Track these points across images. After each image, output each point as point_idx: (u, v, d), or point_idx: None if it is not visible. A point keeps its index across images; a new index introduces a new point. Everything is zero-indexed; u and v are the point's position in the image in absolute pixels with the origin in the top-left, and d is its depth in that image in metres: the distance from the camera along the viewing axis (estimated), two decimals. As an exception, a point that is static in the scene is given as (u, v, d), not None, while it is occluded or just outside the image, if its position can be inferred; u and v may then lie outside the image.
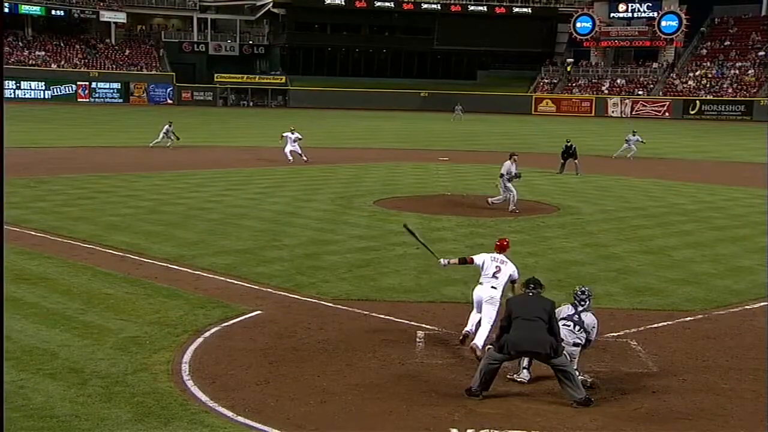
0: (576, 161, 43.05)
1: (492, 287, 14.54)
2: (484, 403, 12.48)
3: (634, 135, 53.63)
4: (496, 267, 14.66)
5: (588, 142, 58.65)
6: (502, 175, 30.18)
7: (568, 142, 44.14)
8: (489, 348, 13.19)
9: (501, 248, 15.09)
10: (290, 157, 45.17)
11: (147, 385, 12.98)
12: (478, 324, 14.46)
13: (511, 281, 14.69)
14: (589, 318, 13.32)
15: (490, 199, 30.66)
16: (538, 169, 42.53)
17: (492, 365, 12.66)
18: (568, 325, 13.18)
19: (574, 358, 13.25)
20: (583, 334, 13.23)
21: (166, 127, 53.27)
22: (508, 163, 30.26)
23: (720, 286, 20.10)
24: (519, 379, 13.46)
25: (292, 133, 46.12)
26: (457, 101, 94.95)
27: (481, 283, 14.65)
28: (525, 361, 13.51)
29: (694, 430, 11.69)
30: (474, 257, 15.07)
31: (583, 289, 13.64)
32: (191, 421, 11.66)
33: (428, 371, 13.92)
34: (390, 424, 11.75)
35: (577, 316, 13.27)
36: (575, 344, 13.18)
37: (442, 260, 15.36)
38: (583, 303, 13.38)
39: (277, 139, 47.54)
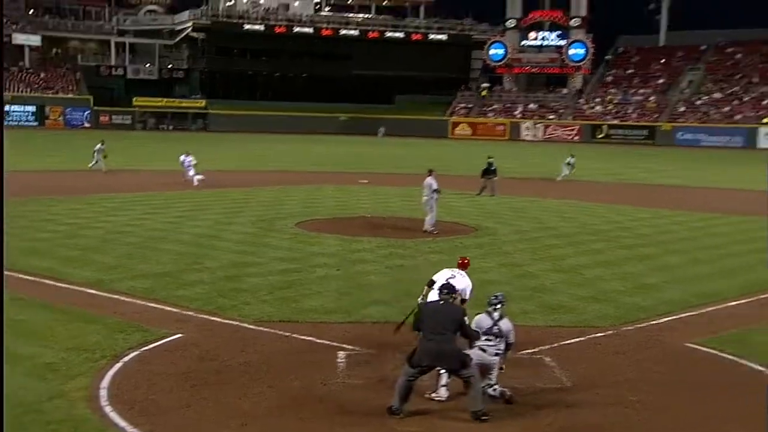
0: (495, 179, 43.31)
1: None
2: (405, 422, 12.48)
3: (572, 158, 54.96)
4: (447, 278, 14.87)
5: (503, 164, 59.17)
6: (436, 190, 30.36)
7: (490, 158, 44.38)
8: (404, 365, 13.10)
9: (462, 266, 15.66)
10: (196, 182, 43.94)
11: (63, 412, 12.73)
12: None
13: (461, 299, 14.74)
14: (505, 325, 13.54)
15: (425, 226, 30.59)
16: (457, 191, 42.78)
17: (408, 381, 12.67)
18: (490, 339, 13.32)
19: (494, 367, 13.42)
20: (503, 344, 13.44)
21: (99, 146, 51.80)
22: (429, 179, 30.52)
23: (628, 303, 20.46)
24: (437, 398, 13.46)
25: (187, 156, 45.40)
26: (378, 125, 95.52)
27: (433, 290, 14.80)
28: (443, 379, 13.51)
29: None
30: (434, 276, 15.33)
31: (495, 294, 13.88)
32: (110, 447, 11.49)
33: (350, 391, 13.89)
34: (312, 445, 11.70)
35: (496, 327, 13.42)
36: (496, 354, 13.36)
37: (419, 299, 15.30)
38: (497, 309, 13.55)
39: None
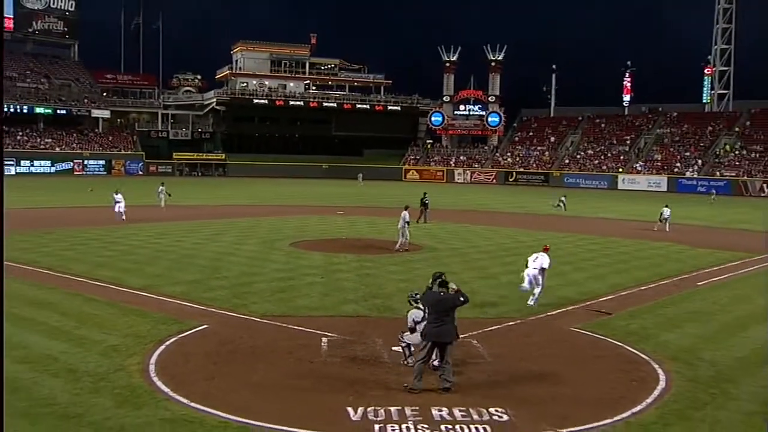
0: (427, 211, 43.43)
1: (534, 268, 19.40)
2: (371, 388, 12.53)
3: (564, 197, 56.19)
4: (536, 256, 19.80)
5: (443, 200, 59.55)
6: (407, 222, 30.66)
7: (425, 194, 44.53)
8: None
9: (545, 250, 20.18)
10: (123, 217, 39.75)
11: (124, 381, 12.73)
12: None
13: (542, 268, 19.42)
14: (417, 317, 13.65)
15: (396, 246, 30.27)
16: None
17: (421, 364, 12.43)
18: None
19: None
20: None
21: (160, 187, 50.38)
22: (404, 212, 30.70)
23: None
24: (409, 364, 13.62)
25: (117, 194, 40.80)
26: (354, 171, 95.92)
27: (527, 267, 19.66)
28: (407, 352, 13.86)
29: (513, 402, 11.93)
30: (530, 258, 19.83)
31: (413, 294, 14.11)
32: (157, 407, 11.48)
33: (330, 367, 13.93)
34: (302, 405, 11.72)
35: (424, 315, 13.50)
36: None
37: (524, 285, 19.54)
38: (418, 302, 13.76)
39: (211, 199, 46.47)
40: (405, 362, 13.80)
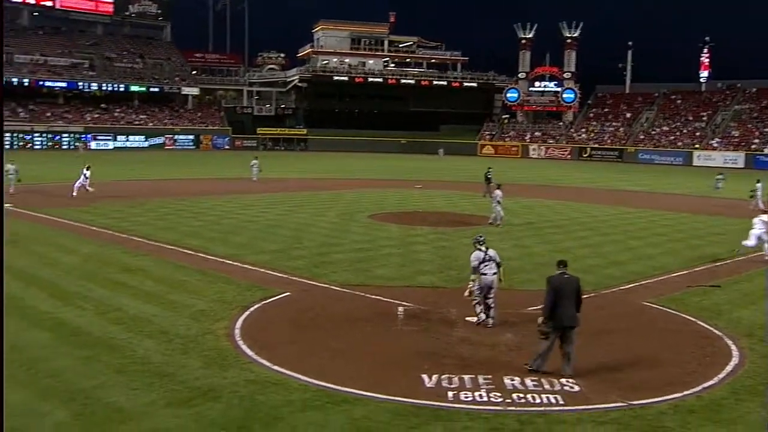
0: (491, 185, 42.30)
1: (760, 228, 22.89)
2: (445, 356, 12.52)
3: (721, 175, 48.79)
4: (758, 219, 22.92)
5: (518, 175, 58.86)
6: (498, 201, 29.83)
7: (489, 169, 43.55)
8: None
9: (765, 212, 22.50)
10: (75, 193, 36.57)
11: (212, 343, 13.03)
12: None
13: None
14: (492, 251, 14.57)
15: (490, 221, 29.97)
16: (480, 193, 42.60)
17: (550, 344, 11.81)
18: (487, 264, 14.31)
19: (494, 286, 14.36)
20: (494, 265, 14.42)
21: (253, 161, 50.37)
22: (498, 191, 30.13)
23: (604, 273, 20.26)
24: (477, 322, 14.34)
25: (87, 170, 37.82)
26: (434, 146, 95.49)
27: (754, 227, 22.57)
28: (492, 312, 14.38)
29: (585, 374, 11.74)
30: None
31: (478, 236, 15.07)
32: (242, 368, 11.71)
33: (406, 335, 13.98)
34: (379, 371, 11.80)
35: (487, 255, 14.35)
36: (494, 273, 14.39)
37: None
38: (483, 244, 14.56)
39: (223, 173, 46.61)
40: (478, 318, 14.49)
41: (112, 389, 10.66)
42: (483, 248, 14.54)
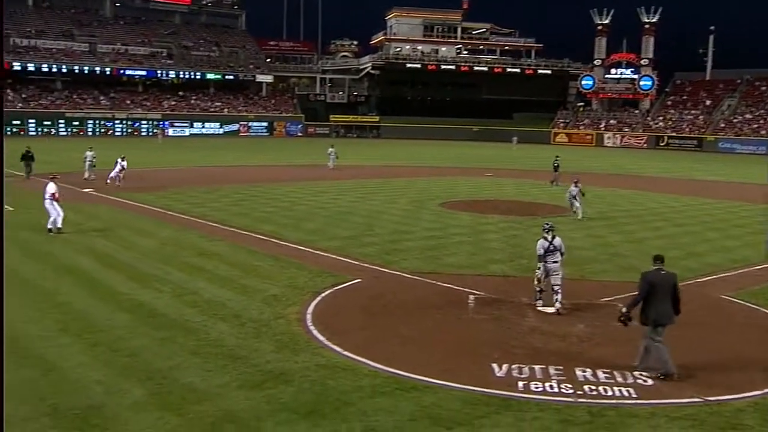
0: (558, 173, 41.71)
1: None
2: (515, 346, 12.43)
3: None
4: None
5: (592, 164, 57.86)
6: (573, 196, 28.57)
7: (556, 158, 43.05)
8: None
9: None
10: (118, 183, 35.86)
11: (283, 328, 13.22)
12: None
13: None
14: (557, 241, 14.73)
15: (579, 216, 28.30)
16: (546, 181, 42.04)
17: (660, 344, 11.32)
18: (552, 254, 14.54)
19: (558, 273, 14.56)
20: (558, 254, 14.63)
21: (330, 149, 50.21)
22: (573, 187, 28.64)
23: (681, 265, 19.54)
24: (548, 311, 14.46)
25: (123, 160, 36.85)
26: (507, 134, 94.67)
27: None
28: (558, 296, 14.53)
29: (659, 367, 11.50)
30: None
31: (546, 223, 15.27)
32: (313, 353, 11.85)
33: (477, 324, 13.93)
34: (449, 359, 11.78)
35: (551, 245, 14.55)
36: (554, 262, 14.57)
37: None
38: (549, 232, 14.76)
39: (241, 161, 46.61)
40: (536, 303, 14.80)
41: (188, 370, 10.93)
42: (549, 237, 14.76)
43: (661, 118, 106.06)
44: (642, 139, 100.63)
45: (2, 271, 3.93)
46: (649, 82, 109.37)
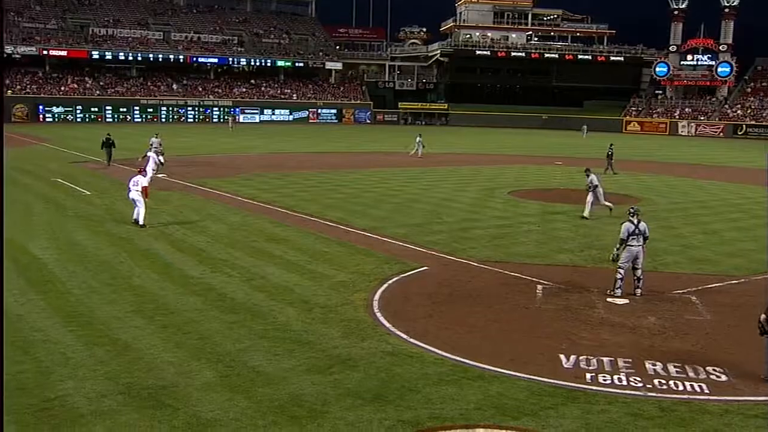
0: (612, 161, 41.01)
1: None
2: (584, 337, 12.27)
3: None
4: None
5: (666, 153, 56.46)
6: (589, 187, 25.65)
7: (610, 146, 41.97)
8: None
9: None
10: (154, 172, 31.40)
11: (350, 313, 13.32)
12: None
13: None
14: (642, 225, 14.94)
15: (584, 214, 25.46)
16: (624, 171, 41.21)
17: None
18: (635, 237, 14.75)
19: (640, 257, 14.82)
20: (641, 238, 14.85)
21: (418, 138, 49.68)
22: (593, 176, 25.96)
23: (757, 258, 19.08)
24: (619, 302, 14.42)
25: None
26: (577, 122, 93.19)
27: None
28: (640, 282, 14.76)
29: (733, 363, 11.19)
30: None
31: (632, 207, 15.59)
32: (379, 340, 11.91)
33: (544, 314, 13.78)
34: (515, 349, 11.69)
35: (637, 229, 14.79)
36: (639, 245, 14.80)
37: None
38: (635, 216, 14.99)
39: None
40: (612, 292, 14.76)
41: (256, 353, 11.12)
42: (635, 220, 14.91)
43: (739, 105, 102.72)
44: (718, 128, 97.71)
45: (2, 272, 4.00)
46: (728, 69, 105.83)
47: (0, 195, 3.83)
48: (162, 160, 35.13)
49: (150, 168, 30.11)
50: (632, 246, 14.80)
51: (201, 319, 12.73)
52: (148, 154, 33.54)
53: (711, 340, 12.38)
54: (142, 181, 22.33)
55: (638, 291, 14.78)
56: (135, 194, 22.06)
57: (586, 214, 25.18)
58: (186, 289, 14.72)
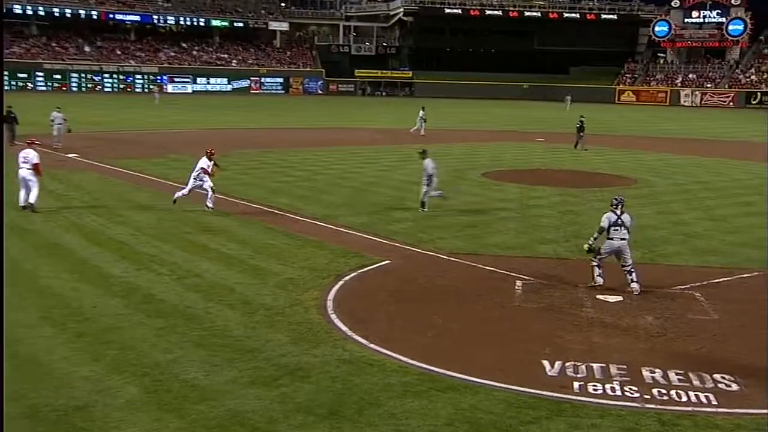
0: (582, 135, 42.69)
1: None
2: (570, 340, 12.38)
3: None
4: None
5: (663, 126, 57.16)
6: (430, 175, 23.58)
7: (581, 117, 43.76)
8: None
9: None
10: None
11: (300, 316, 13.28)
12: None
13: None
14: (626, 217, 15.15)
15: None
16: (618, 148, 41.66)
17: None
18: (617, 229, 14.98)
19: (625, 252, 15.01)
20: (625, 231, 15.02)
21: (421, 112, 50.36)
22: (428, 161, 23.84)
23: (773, 247, 19.42)
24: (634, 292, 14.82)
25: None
26: (562, 91, 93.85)
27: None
28: (634, 276, 14.97)
29: (745, 370, 11.37)
30: None
31: (616, 197, 15.52)
32: (334, 345, 11.89)
33: (524, 314, 13.87)
34: (493, 355, 11.76)
35: (620, 219, 15.01)
36: (622, 239, 14.99)
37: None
38: (619, 207, 15.19)
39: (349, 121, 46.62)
40: (592, 283, 15.22)
41: (189, 364, 11.03)
42: (617, 211, 15.13)
43: (753, 70, 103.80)
44: (728, 97, 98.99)
45: (2, 271, 3.96)
46: (741, 27, 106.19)
47: (0, 195, 3.70)
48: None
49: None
50: (613, 239, 15.00)
51: (123, 326, 12.59)
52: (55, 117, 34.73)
53: (718, 342, 12.55)
54: (32, 157, 21.89)
55: (635, 285, 14.87)
56: (26, 172, 21.57)
57: (425, 206, 23.66)
58: (105, 290, 14.54)
